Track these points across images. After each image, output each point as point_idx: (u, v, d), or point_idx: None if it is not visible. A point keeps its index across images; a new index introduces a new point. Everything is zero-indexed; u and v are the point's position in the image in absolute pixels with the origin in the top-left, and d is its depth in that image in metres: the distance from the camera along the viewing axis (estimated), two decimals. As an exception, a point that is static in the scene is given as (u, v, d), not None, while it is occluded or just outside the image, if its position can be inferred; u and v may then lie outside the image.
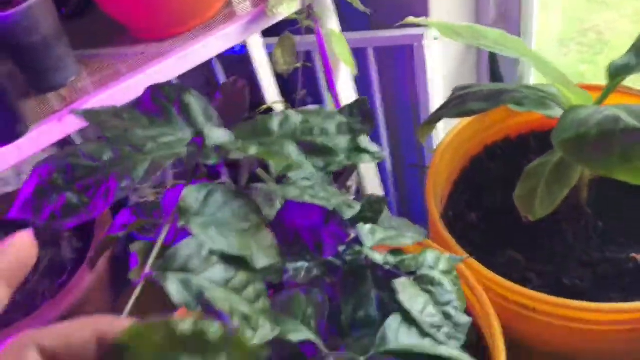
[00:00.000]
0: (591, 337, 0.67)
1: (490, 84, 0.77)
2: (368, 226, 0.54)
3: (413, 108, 1.44)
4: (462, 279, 0.67)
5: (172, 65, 0.80)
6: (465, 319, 0.47)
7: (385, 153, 1.48)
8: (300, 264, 0.53)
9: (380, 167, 1.49)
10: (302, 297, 0.46)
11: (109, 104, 0.78)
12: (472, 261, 0.69)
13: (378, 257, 0.50)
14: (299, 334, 0.42)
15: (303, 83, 1.01)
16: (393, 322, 0.43)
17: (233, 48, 1.36)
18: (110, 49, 0.85)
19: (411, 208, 1.60)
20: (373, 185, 1.09)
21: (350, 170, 0.90)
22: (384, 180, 1.52)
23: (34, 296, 0.93)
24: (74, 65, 0.79)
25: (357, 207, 0.59)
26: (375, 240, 0.53)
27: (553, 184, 0.67)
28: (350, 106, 0.87)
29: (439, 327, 0.46)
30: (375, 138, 1.45)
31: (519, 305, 0.67)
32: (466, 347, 0.66)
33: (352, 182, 0.96)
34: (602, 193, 0.80)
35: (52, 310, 0.89)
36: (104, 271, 0.93)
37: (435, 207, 0.78)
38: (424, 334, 0.43)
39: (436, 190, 0.82)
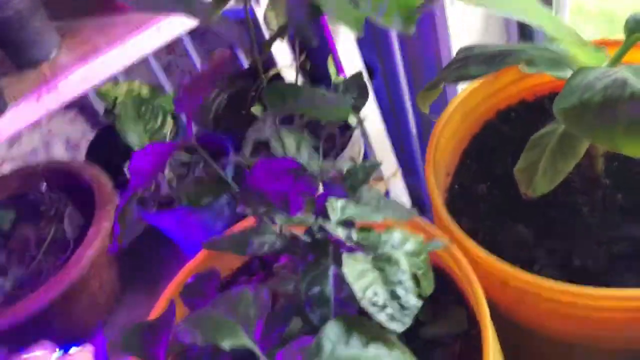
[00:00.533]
0: (600, 325, 0.61)
1: (495, 45, 0.69)
2: (340, 202, 0.50)
3: (438, 67, 1.36)
4: (454, 262, 0.62)
5: (153, 34, 0.75)
6: (414, 302, 0.43)
7: (411, 117, 1.42)
8: (265, 237, 0.50)
9: (405, 132, 1.43)
10: (250, 296, 0.43)
11: (90, 78, 0.76)
12: (470, 242, 0.64)
13: (340, 232, 0.46)
14: (234, 340, 0.38)
15: (304, 46, 0.95)
16: (331, 330, 0.39)
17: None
18: (92, 20, 0.81)
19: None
20: (384, 154, 1.04)
21: (342, 144, 0.85)
22: (409, 147, 1.46)
23: (39, 273, 0.93)
24: (53, 39, 0.76)
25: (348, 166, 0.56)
26: (344, 215, 0.48)
27: (557, 156, 0.60)
28: (346, 82, 0.82)
29: (382, 307, 0.42)
30: (398, 101, 1.39)
31: (521, 291, 0.62)
32: (457, 334, 0.61)
33: (356, 153, 0.91)
34: (622, 162, 0.72)
35: (56, 286, 0.89)
36: (105, 245, 0.92)
37: (433, 179, 0.72)
38: (365, 342, 0.39)
39: (439, 162, 0.76)
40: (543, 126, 0.72)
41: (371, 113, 1.00)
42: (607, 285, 0.64)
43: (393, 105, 1.37)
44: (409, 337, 0.50)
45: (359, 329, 0.39)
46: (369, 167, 0.58)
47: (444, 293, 0.63)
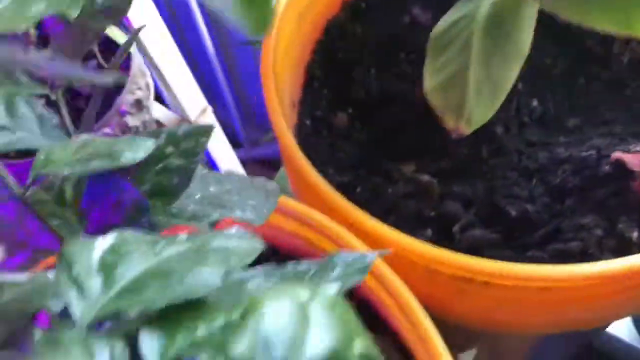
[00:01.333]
0: (564, 306, 0.41)
1: None
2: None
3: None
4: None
5: None
6: None
7: (201, 25, 1.09)
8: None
9: (198, 49, 1.11)
10: None
11: None
12: (379, 230, 0.39)
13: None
14: None
15: None
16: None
17: None
18: None
19: (260, 114, 1.24)
20: (185, 89, 0.73)
21: (119, 81, 0.54)
22: (212, 73, 1.14)
23: None
24: None
25: (148, 143, 0.27)
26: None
27: (493, 57, 0.36)
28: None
29: None
30: (183, 7, 1.06)
31: (460, 280, 0.38)
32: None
33: (143, 93, 0.59)
34: (537, 53, 0.52)
35: None
36: None
37: (280, 113, 0.45)
38: None
39: (280, 89, 0.49)
40: (410, 15, 0.49)
41: (155, 28, 0.68)
42: (560, 236, 0.44)
43: (174, 12, 1.05)
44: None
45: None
46: (195, 133, 0.28)
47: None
